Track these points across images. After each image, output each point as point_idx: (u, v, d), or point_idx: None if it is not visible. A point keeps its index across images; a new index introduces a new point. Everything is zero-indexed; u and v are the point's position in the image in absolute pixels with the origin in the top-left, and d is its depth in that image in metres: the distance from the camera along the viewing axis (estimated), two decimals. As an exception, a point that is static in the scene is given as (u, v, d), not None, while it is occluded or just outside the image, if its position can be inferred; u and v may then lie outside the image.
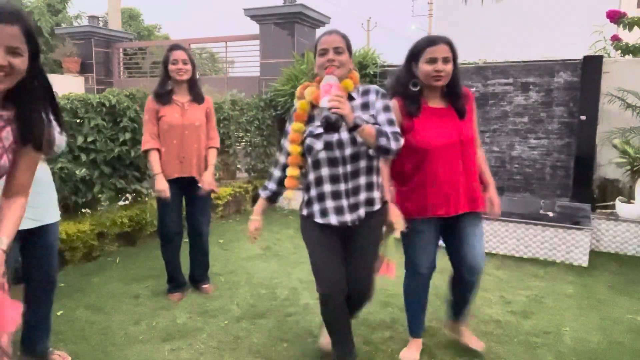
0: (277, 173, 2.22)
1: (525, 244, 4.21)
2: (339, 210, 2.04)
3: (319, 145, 2.00)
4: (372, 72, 5.95)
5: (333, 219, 2.05)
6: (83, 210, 3.93)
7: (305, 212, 2.16)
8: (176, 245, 3.16)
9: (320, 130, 1.95)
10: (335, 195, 2.04)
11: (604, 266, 3.98)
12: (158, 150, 2.99)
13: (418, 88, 2.19)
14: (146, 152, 3.01)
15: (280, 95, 6.14)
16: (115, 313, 2.93)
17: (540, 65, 5.38)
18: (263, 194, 2.27)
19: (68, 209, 3.78)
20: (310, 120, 2.07)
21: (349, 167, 2.01)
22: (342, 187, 2.02)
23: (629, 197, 4.57)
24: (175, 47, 2.99)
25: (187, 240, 3.28)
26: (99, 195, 3.94)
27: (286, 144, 2.12)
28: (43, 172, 2.20)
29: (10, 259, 1.77)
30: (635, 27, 5.70)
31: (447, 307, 2.61)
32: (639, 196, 4.36)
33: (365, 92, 2.06)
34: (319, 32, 7.26)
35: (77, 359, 2.40)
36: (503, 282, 3.58)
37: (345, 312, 2.17)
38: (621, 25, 5.82)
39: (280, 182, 2.19)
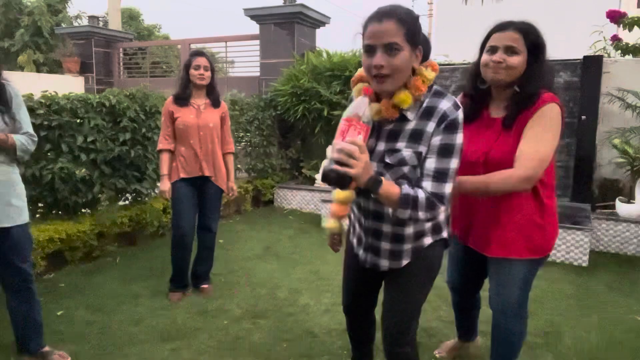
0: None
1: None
2: (359, 240, 1.68)
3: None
4: (372, 72, 5.94)
5: (354, 244, 1.73)
6: (83, 210, 3.93)
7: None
8: (189, 245, 3.18)
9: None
10: (359, 224, 1.66)
11: (604, 266, 3.98)
12: (170, 152, 3.13)
13: (485, 86, 1.81)
14: (160, 152, 3.15)
15: (280, 95, 6.14)
16: (115, 313, 2.93)
17: (540, 65, 5.37)
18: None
19: (68, 209, 3.78)
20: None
21: (370, 203, 1.54)
22: (363, 221, 1.61)
23: (629, 197, 4.57)
24: (198, 53, 3.13)
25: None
26: (99, 195, 3.94)
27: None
28: (8, 172, 2.14)
29: None
30: (635, 27, 5.70)
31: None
32: (639, 196, 4.36)
33: (428, 113, 1.42)
34: (319, 32, 7.26)
35: (77, 359, 2.40)
36: (503, 282, 3.58)
37: (366, 333, 2.01)
38: (621, 25, 5.82)
39: None
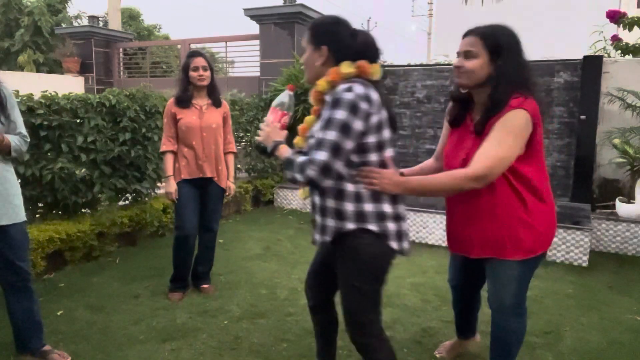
0: None
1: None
2: (314, 223, 1.80)
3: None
4: (372, 72, 5.94)
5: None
6: (83, 210, 3.93)
7: None
8: (191, 246, 3.17)
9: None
10: (313, 206, 1.80)
11: (604, 266, 3.98)
12: (174, 152, 3.12)
13: (465, 91, 1.86)
14: (163, 153, 3.15)
15: (280, 95, 6.13)
16: (115, 313, 2.93)
17: (540, 65, 5.38)
18: None
19: (68, 209, 3.78)
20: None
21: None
22: (316, 200, 1.75)
23: (629, 197, 4.57)
24: (195, 53, 3.09)
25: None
26: (99, 195, 3.94)
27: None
28: (3, 171, 2.14)
29: None
30: (635, 27, 5.70)
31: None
32: (639, 196, 4.36)
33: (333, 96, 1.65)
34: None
35: (77, 359, 2.40)
36: (503, 282, 3.58)
37: (327, 325, 2.10)
38: (621, 25, 5.82)
39: None
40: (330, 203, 1.68)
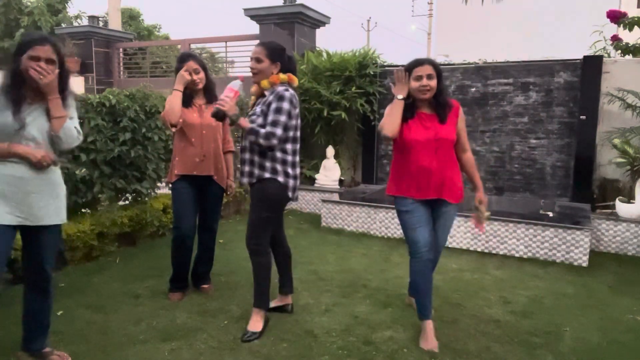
0: None
1: (525, 244, 4.21)
2: (241, 173, 2.75)
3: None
4: (372, 72, 5.95)
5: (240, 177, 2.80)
6: (83, 210, 3.93)
7: None
8: (189, 246, 3.16)
9: (251, 113, 2.69)
10: (244, 161, 2.73)
11: (604, 266, 3.98)
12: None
13: (410, 100, 2.62)
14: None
15: (280, 95, 6.13)
16: (115, 313, 2.93)
17: (540, 65, 5.38)
18: None
19: (68, 209, 3.77)
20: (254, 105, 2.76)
21: (244, 142, 2.70)
22: (248, 156, 2.69)
23: (629, 197, 4.57)
24: (186, 57, 3.07)
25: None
26: (99, 195, 3.94)
27: None
28: (49, 172, 2.20)
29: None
30: (635, 27, 5.70)
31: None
32: (639, 196, 4.36)
33: (275, 93, 2.59)
34: (319, 32, 7.27)
35: (77, 359, 2.40)
36: (503, 282, 3.58)
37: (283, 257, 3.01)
38: (621, 25, 5.82)
39: None
40: (259, 159, 2.64)
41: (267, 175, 2.62)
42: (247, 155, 2.68)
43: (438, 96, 2.60)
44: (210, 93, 3.16)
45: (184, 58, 3.06)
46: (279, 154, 2.62)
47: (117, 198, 4.19)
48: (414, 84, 2.56)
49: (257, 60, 2.63)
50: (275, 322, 2.83)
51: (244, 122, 2.52)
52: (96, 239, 3.80)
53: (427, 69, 2.55)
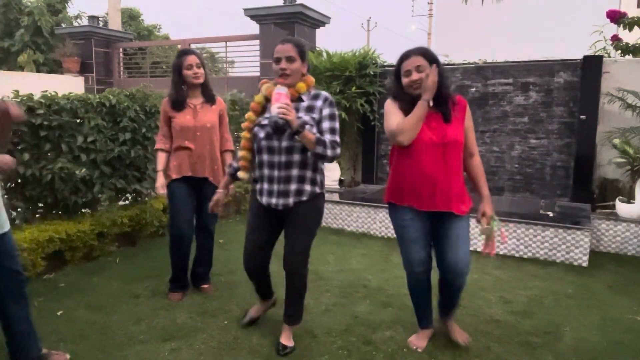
0: (239, 153, 2.55)
1: (525, 244, 4.21)
2: (269, 193, 2.37)
3: (262, 134, 2.34)
4: (372, 72, 5.95)
5: (264, 199, 2.39)
6: (83, 210, 3.93)
7: (252, 186, 2.52)
8: (186, 246, 3.14)
9: (266, 121, 2.31)
10: (270, 180, 2.36)
11: (604, 266, 3.98)
12: (166, 151, 3.11)
13: (408, 97, 2.32)
14: (156, 150, 3.14)
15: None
16: (115, 313, 2.93)
17: (540, 65, 5.38)
18: (227, 170, 2.62)
19: (68, 209, 3.78)
20: (262, 112, 2.41)
21: (283, 157, 2.30)
22: (276, 173, 2.33)
23: (629, 197, 4.57)
24: (187, 52, 3.05)
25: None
26: (99, 195, 3.94)
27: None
28: None
29: None
30: (635, 27, 5.70)
31: (437, 305, 2.65)
32: (639, 196, 4.36)
33: (315, 97, 2.34)
34: (319, 32, 7.26)
35: (77, 359, 2.40)
36: (503, 282, 3.58)
37: (263, 269, 2.66)
38: (621, 25, 5.82)
39: None
40: (310, 173, 2.36)
41: (318, 190, 2.40)
42: (294, 172, 2.32)
43: (438, 90, 2.25)
44: (208, 92, 3.12)
45: (184, 52, 3.04)
46: (320, 165, 2.40)
47: (117, 198, 4.19)
48: (404, 81, 2.28)
49: (290, 59, 2.31)
50: (275, 322, 2.83)
51: (310, 133, 2.18)
52: (96, 239, 3.80)
53: (415, 61, 2.23)
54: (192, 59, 2.98)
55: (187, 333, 2.69)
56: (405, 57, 2.29)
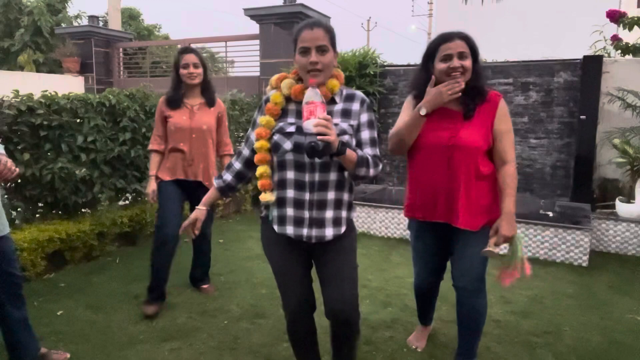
0: (237, 165, 1.92)
1: (525, 244, 4.21)
2: (298, 222, 1.76)
3: (287, 145, 1.72)
4: (372, 72, 5.95)
5: (289, 230, 1.78)
6: (83, 210, 3.93)
7: (264, 213, 1.89)
8: (170, 251, 2.93)
9: (292, 128, 1.72)
10: (298, 204, 1.75)
11: (604, 266, 3.98)
12: (161, 152, 3.01)
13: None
14: (150, 152, 3.05)
15: (280, 95, 6.12)
16: (115, 313, 2.93)
17: (540, 65, 5.38)
18: (216, 183, 1.98)
19: (68, 209, 3.78)
20: (283, 115, 1.79)
21: (317, 176, 1.72)
22: (307, 196, 1.73)
23: (629, 197, 4.57)
24: (185, 50, 2.95)
25: (187, 240, 3.28)
26: (99, 195, 3.94)
27: (253, 136, 1.84)
28: None
29: None
30: (635, 27, 5.69)
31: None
32: (639, 196, 4.36)
33: (350, 98, 1.80)
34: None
35: (77, 359, 2.40)
36: (503, 282, 3.58)
37: (313, 331, 2.03)
38: (621, 25, 5.82)
39: (238, 176, 1.93)
40: (348, 196, 1.82)
41: (353, 215, 1.88)
42: (330, 195, 1.75)
43: (472, 82, 1.98)
44: (208, 94, 3.02)
45: (184, 50, 2.95)
46: (354, 184, 1.87)
47: (117, 198, 4.20)
48: (441, 66, 1.96)
49: (321, 50, 1.68)
50: (275, 322, 2.83)
51: (352, 151, 1.64)
52: (96, 239, 3.80)
53: (459, 46, 1.94)
54: (188, 58, 2.88)
55: (187, 333, 2.69)
56: (447, 38, 1.97)
